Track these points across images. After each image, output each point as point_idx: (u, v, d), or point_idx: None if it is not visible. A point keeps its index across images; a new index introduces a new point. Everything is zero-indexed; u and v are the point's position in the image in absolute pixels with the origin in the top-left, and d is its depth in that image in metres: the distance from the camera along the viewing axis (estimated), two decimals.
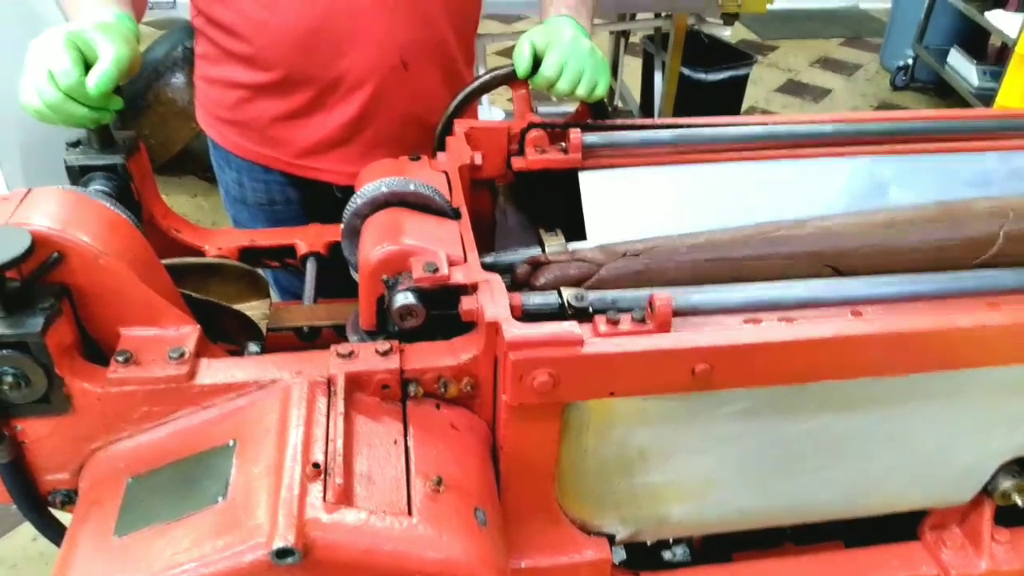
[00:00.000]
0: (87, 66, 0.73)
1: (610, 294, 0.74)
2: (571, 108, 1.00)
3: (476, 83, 0.96)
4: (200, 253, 0.86)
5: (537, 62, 0.91)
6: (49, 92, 0.71)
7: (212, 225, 2.35)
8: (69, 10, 0.85)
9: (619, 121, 0.96)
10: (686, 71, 2.64)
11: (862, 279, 0.76)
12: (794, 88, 3.76)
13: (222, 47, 1.01)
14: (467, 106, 0.98)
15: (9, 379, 0.58)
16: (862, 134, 0.95)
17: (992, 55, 3.30)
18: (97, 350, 0.65)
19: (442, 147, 0.94)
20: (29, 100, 0.73)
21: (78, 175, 0.79)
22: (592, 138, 0.92)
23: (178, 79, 2.42)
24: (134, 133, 0.82)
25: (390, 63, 0.99)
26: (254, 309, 0.81)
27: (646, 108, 2.91)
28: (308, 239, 0.90)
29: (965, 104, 3.22)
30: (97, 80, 0.72)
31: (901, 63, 3.69)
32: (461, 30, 1.07)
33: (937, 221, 0.81)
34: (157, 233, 0.84)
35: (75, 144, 0.80)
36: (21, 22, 2.02)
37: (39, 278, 0.59)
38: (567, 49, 0.90)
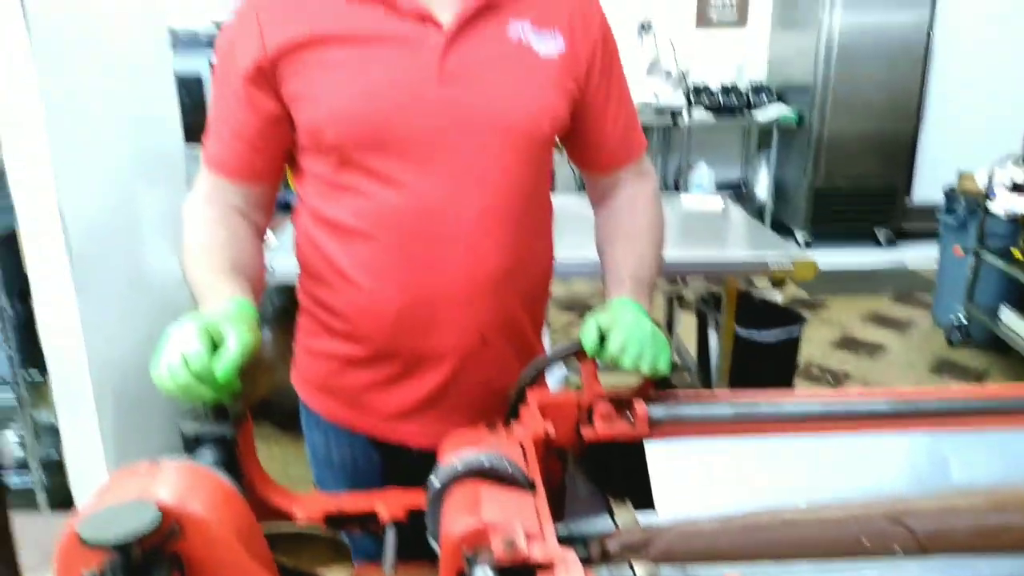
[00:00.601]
0: (216, 351, 0.85)
1: (681, 570, 0.76)
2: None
3: (547, 356, 1.05)
4: (289, 517, 0.92)
5: (603, 338, 1.00)
6: (181, 374, 0.82)
7: (285, 473, 2.43)
8: (200, 295, 0.99)
9: (682, 394, 1.02)
10: (740, 331, 2.75)
11: (929, 561, 0.77)
12: (849, 344, 3.83)
13: (324, 323, 1.14)
14: (538, 376, 1.06)
15: None
16: (920, 412, 0.99)
17: None
18: None
19: (515, 415, 1.01)
20: (162, 378, 0.84)
21: (192, 444, 0.88)
22: (657, 410, 0.98)
23: (265, 334, 2.62)
24: (244, 407, 0.91)
25: (470, 340, 1.09)
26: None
27: (703, 365, 3.00)
28: (389, 505, 0.95)
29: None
30: (224, 366, 0.83)
31: (954, 320, 3.76)
32: (533, 308, 1.19)
33: (1002, 504, 0.82)
34: (253, 498, 0.90)
35: (192, 414, 0.90)
36: (144, 301, 2.26)
37: (160, 549, 0.65)
38: (630, 331, 1.00)
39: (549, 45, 1.05)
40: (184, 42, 3.57)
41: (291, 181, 1.14)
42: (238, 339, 0.85)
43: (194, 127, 3.23)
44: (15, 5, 1.78)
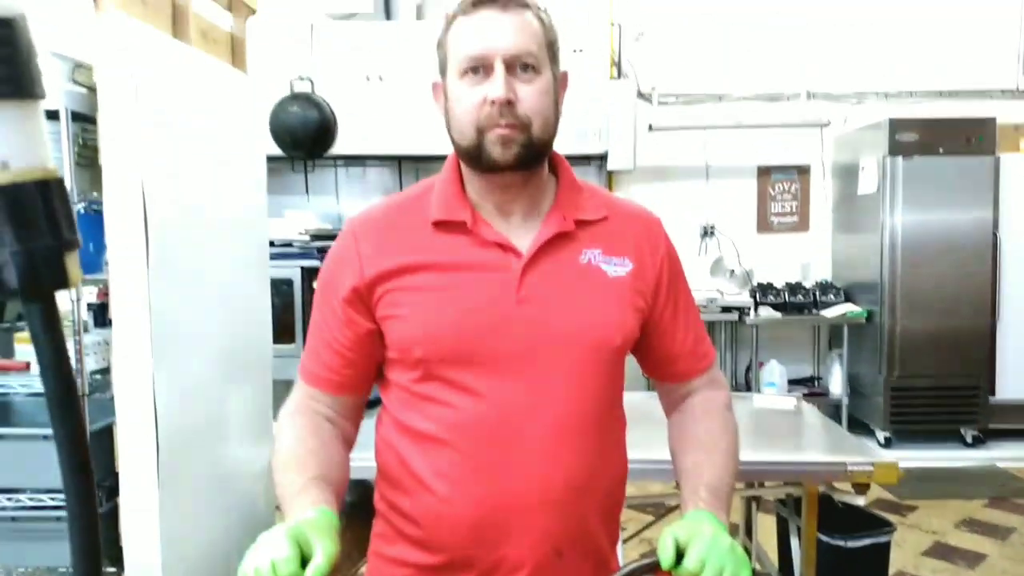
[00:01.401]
0: (303, 559, 0.88)
1: None
2: None
3: (623, 573, 1.04)
4: None
5: (680, 553, 1.00)
6: None
7: None
8: (286, 500, 1.04)
9: None
10: (823, 537, 2.62)
11: None
12: (943, 552, 3.58)
13: (399, 530, 1.16)
14: None
15: None
16: None
17: None
18: None
19: None
20: None
21: None
22: None
23: None
24: None
25: (544, 551, 1.10)
26: None
27: (785, 570, 2.83)
28: None
29: None
30: (313, 573, 0.86)
31: None
32: (608, 520, 1.20)
33: None
34: None
35: None
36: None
37: None
38: (708, 546, 0.98)
39: (618, 268, 1.14)
40: (279, 251, 3.86)
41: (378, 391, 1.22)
42: (325, 551, 0.88)
43: (283, 327, 3.43)
44: (138, 212, 1.99)
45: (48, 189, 0.60)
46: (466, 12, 1.07)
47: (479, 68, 1.06)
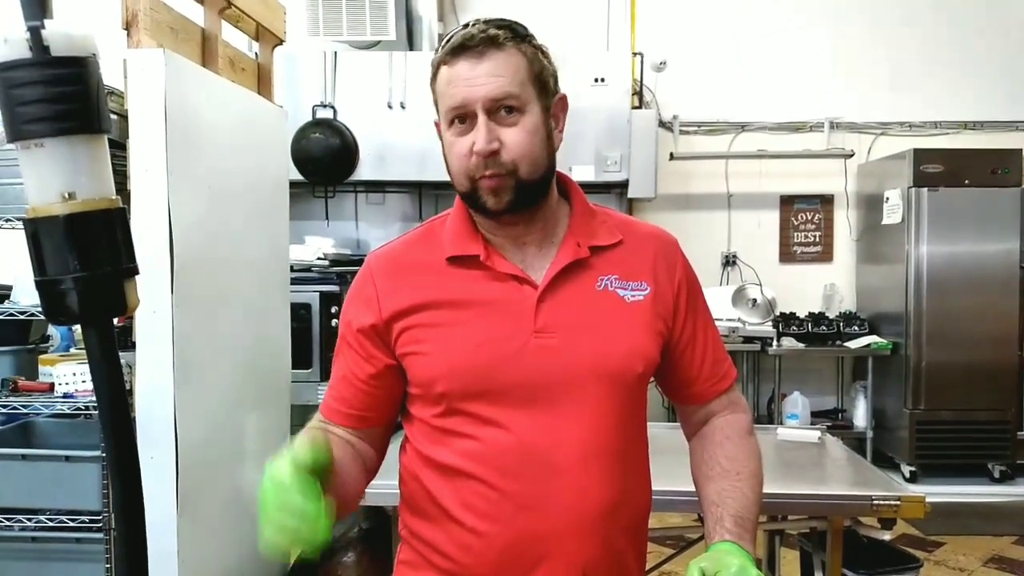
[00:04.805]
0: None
1: None
2: None
3: None
4: None
5: None
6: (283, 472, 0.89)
7: None
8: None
9: None
10: (848, 572, 2.56)
11: None
12: None
13: (426, 558, 1.15)
14: None
15: None
16: None
17: None
18: None
19: None
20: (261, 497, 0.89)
21: None
22: None
23: (349, 557, 2.60)
24: None
25: None
26: None
27: None
28: None
29: None
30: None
31: None
32: (636, 543, 1.18)
33: None
34: None
35: None
36: None
37: None
38: None
39: (636, 293, 1.13)
40: (298, 276, 3.87)
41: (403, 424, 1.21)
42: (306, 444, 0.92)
43: (301, 352, 3.43)
44: (163, 237, 2.02)
45: (111, 218, 0.62)
46: (446, 62, 1.07)
47: (464, 117, 1.06)
